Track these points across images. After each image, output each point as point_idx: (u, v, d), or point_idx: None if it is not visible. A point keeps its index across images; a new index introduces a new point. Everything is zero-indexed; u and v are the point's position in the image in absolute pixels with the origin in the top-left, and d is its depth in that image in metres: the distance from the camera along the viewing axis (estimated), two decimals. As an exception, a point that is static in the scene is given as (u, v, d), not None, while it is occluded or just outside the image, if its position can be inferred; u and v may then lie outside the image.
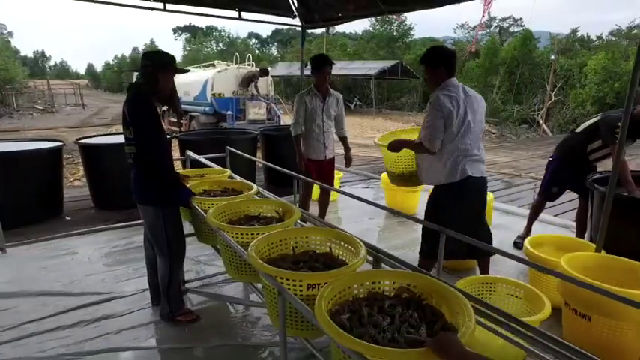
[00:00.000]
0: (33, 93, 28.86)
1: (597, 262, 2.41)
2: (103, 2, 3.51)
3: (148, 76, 2.30)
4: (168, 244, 2.47)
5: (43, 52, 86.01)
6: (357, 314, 1.35)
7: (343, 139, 4.07)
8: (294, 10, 4.55)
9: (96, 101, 33.93)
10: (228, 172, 3.31)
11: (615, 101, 19.02)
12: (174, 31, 64.19)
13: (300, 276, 1.59)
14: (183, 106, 12.66)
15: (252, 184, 2.86)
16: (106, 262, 3.50)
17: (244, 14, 4.29)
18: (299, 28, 4.87)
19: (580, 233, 3.63)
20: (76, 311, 2.73)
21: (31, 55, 79.15)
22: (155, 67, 2.31)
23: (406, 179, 3.17)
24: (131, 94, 2.37)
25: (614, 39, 24.99)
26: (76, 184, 8.33)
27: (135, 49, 62.53)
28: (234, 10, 4.23)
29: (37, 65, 76.18)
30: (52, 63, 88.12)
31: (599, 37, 26.61)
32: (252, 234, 2.05)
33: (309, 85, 3.91)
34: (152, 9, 3.74)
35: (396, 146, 2.83)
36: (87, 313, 2.70)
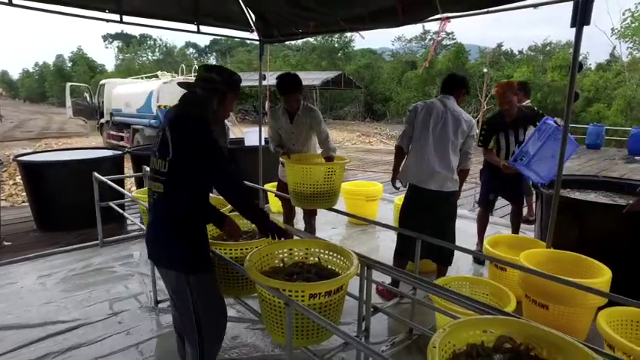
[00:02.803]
0: None
1: (549, 257, 2.71)
2: (56, 12, 3.34)
3: (215, 95, 1.82)
4: (199, 328, 1.84)
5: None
6: None
7: (327, 159, 3.30)
8: (252, 24, 4.59)
9: (14, 112, 31.10)
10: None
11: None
12: (105, 38, 60.61)
13: (302, 287, 1.66)
14: (124, 118, 11.96)
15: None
16: (65, 288, 3.26)
17: (203, 28, 4.27)
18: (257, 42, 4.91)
19: (515, 231, 4.01)
20: (40, 343, 2.52)
21: None
22: (229, 86, 1.85)
23: (314, 200, 2.81)
24: (182, 115, 1.79)
25: (532, 53, 27.67)
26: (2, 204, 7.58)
27: (59, 57, 57.97)
28: (192, 23, 4.20)
29: None
30: (-50, 68, 77.92)
31: (520, 52, 29.35)
32: (241, 249, 2.09)
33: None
34: (108, 21, 3.61)
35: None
36: (54, 343, 2.51)
